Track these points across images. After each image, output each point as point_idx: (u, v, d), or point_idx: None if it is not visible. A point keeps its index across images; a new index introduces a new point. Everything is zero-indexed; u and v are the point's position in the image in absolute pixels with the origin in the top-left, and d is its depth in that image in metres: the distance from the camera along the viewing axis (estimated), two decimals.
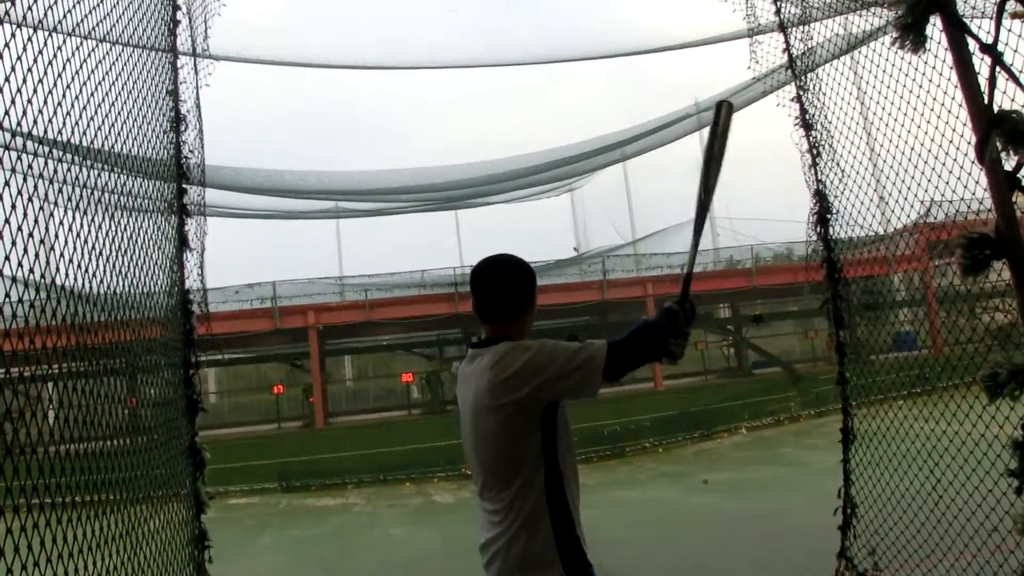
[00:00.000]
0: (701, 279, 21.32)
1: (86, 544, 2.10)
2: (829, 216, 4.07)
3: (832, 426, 4.42)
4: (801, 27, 4.11)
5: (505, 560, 1.83)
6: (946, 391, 3.25)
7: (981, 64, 2.48)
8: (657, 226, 23.54)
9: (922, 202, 3.24)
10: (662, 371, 20.47)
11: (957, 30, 2.54)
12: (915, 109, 3.08)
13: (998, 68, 2.41)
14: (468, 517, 10.33)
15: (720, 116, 2.10)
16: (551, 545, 1.82)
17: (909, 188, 3.26)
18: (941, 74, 2.79)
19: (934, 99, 2.90)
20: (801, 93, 4.18)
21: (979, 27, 2.57)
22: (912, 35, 2.61)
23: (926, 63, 2.87)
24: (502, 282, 1.95)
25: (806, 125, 4.15)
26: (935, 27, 2.62)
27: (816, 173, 4.11)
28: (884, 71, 3.29)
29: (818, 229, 4.10)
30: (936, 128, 2.95)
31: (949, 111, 2.80)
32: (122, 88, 2.85)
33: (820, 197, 4.10)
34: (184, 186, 3.97)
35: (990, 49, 2.44)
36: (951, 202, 3.01)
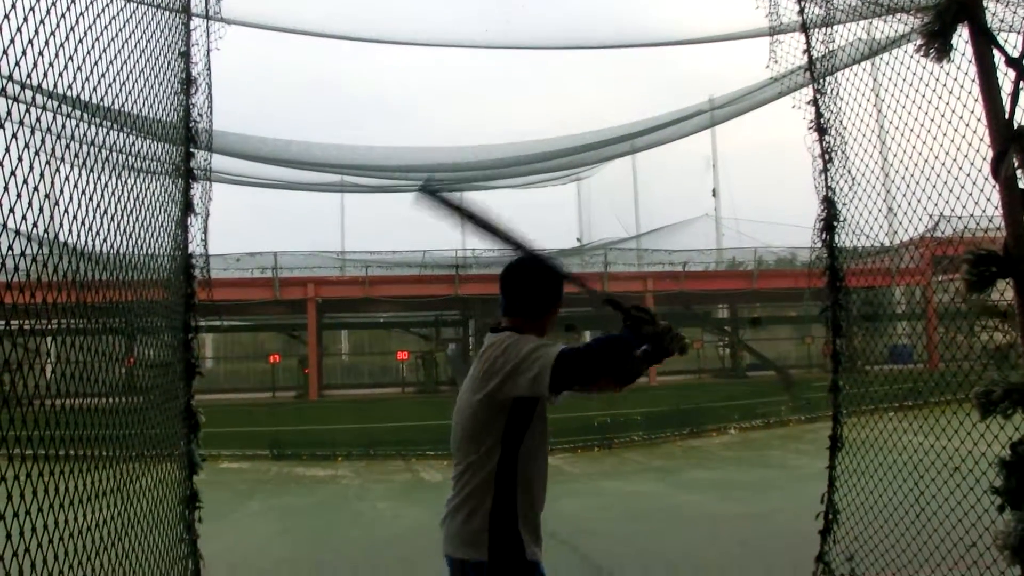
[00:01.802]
0: (703, 278, 21.34)
1: (78, 496, 2.13)
2: (836, 223, 4.05)
3: (820, 432, 4.45)
4: (823, 29, 4.06)
5: (449, 526, 2.01)
6: (938, 406, 3.27)
7: (1004, 78, 2.46)
8: (662, 222, 23.49)
9: (931, 216, 3.22)
10: (656, 367, 20.51)
11: (984, 41, 2.52)
12: (932, 121, 3.06)
13: (1022, 83, 2.39)
14: None
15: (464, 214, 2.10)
16: (484, 527, 1.93)
17: (920, 201, 3.24)
18: (963, 87, 2.77)
19: (953, 112, 2.88)
20: (818, 96, 4.14)
21: (1006, 40, 2.55)
22: (938, 43, 2.58)
23: (948, 74, 2.84)
24: (524, 280, 2.09)
25: (820, 129, 4.12)
26: (960, 37, 2.60)
27: (826, 179, 4.09)
28: (904, 80, 3.26)
29: (823, 236, 4.09)
30: (953, 142, 2.92)
31: (967, 125, 2.78)
32: (135, 46, 2.83)
33: (828, 203, 4.08)
34: (192, 150, 3.95)
35: (1016, 63, 2.42)
36: (959, 218, 3.00)
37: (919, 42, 2.64)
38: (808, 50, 4.22)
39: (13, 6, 1.75)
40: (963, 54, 2.62)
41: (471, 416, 1.98)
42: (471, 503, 1.96)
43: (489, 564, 1.94)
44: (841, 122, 4.02)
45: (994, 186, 2.52)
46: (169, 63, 3.54)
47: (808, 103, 4.19)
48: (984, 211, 2.76)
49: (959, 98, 2.83)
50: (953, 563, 3.18)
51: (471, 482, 1.97)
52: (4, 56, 1.71)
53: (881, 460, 3.69)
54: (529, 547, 1.98)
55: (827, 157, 4.11)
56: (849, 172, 3.95)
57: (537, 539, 2.02)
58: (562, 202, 25.92)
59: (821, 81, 4.13)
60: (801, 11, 4.24)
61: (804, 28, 4.23)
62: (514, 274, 2.10)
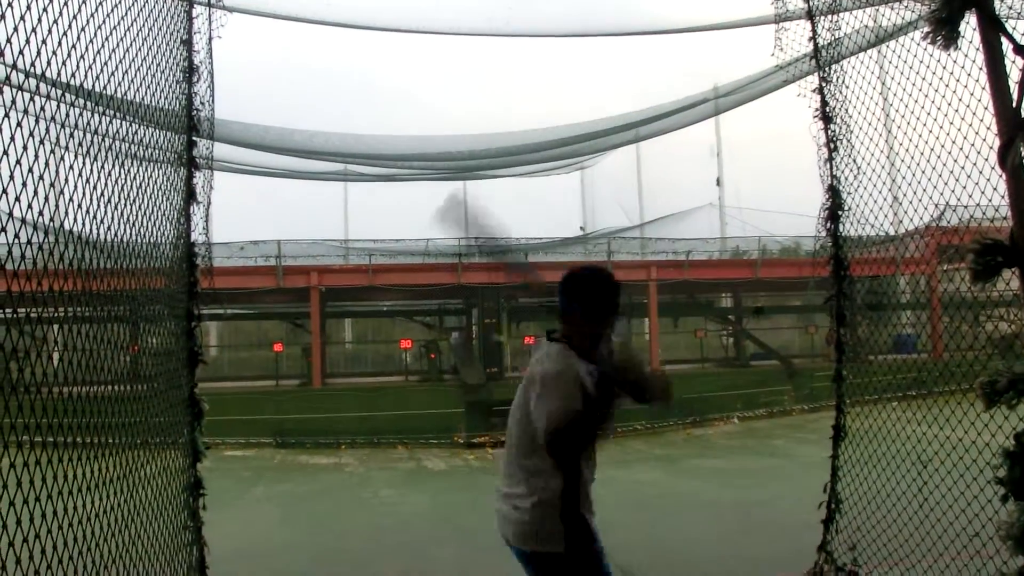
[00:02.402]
0: (706, 267, 21.28)
1: (85, 483, 2.15)
2: (841, 212, 4.03)
3: (823, 422, 4.45)
4: (829, 16, 4.02)
5: (513, 517, 2.17)
6: (942, 396, 3.26)
7: (1012, 66, 2.43)
8: (666, 210, 23.42)
9: (936, 205, 3.20)
10: (659, 356, 20.56)
11: (992, 29, 2.49)
12: (939, 109, 3.02)
13: None
14: (458, 484, 10.50)
15: None
16: (556, 519, 2.10)
17: (925, 191, 3.22)
18: (969, 75, 2.74)
19: (960, 100, 2.85)
20: (824, 85, 4.11)
21: (1014, 28, 2.51)
22: (945, 30, 2.55)
23: (954, 62, 2.81)
24: (579, 290, 2.26)
25: (826, 118, 4.09)
26: (968, 24, 2.57)
27: (831, 168, 4.06)
28: (911, 67, 3.22)
29: (828, 225, 4.07)
30: (960, 131, 2.89)
31: (973, 113, 2.76)
32: (137, 34, 2.82)
33: (833, 192, 4.06)
34: (194, 138, 3.94)
35: None
36: (965, 207, 2.98)
37: (926, 29, 2.62)
38: (814, 38, 4.18)
39: None
40: (970, 42, 2.59)
41: (520, 411, 2.18)
42: (538, 494, 2.11)
43: (566, 554, 2.11)
44: (847, 110, 3.99)
45: (1001, 175, 2.50)
46: (171, 51, 3.52)
47: (814, 91, 4.16)
48: (991, 200, 2.74)
49: (966, 86, 2.80)
50: (956, 553, 3.19)
51: (536, 474, 2.12)
52: (8, 44, 1.70)
53: (884, 450, 3.70)
54: (596, 534, 2.20)
55: (832, 146, 4.08)
56: (855, 161, 3.93)
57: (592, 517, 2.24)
58: (566, 191, 25.82)
59: (827, 69, 4.09)
60: None
61: (810, 15, 4.19)
62: (575, 283, 2.27)
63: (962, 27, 2.55)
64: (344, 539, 6.92)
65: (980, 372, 2.51)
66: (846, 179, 4.02)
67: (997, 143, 2.46)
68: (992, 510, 2.56)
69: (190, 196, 3.89)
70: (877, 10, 3.78)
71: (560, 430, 2.02)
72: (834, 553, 4.03)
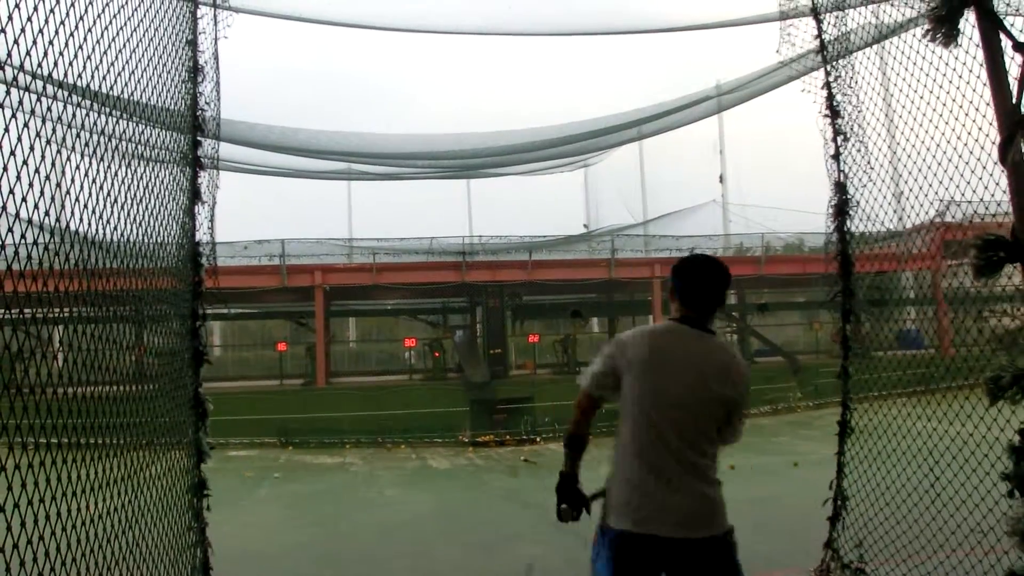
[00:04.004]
0: None
1: (90, 484, 2.15)
2: (849, 209, 4.02)
3: (829, 419, 4.44)
4: (834, 13, 4.01)
5: (695, 506, 2.20)
6: (949, 391, 3.25)
7: (1012, 63, 2.43)
8: (669, 208, 23.39)
9: (941, 200, 3.19)
10: None
11: (991, 26, 2.49)
12: (945, 104, 3.01)
13: None
14: (463, 483, 10.51)
15: None
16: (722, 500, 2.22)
17: (931, 185, 3.21)
18: (970, 71, 2.73)
19: (965, 96, 2.84)
20: (831, 80, 4.09)
21: (1012, 24, 2.51)
22: (945, 28, 2.56)
23: (956, 59, 2.80)
24: (727, 285, 2.34)
25: (833, 113, 4.08)
26: (968, 22, 2.56)
27: (839, 164, 4.05)
28: (914, 63, 3.21)
29: (836, 221, 4.05)
30: (965, 127, 2.88)
31: (976, 110, 2.75)
32: (143, 35, 2.83)
33: (840, 188, 4.05)
34: (199, 138, 3.95)
35: (1023, 47, 2.39)
36: (969, 203, 2.97)
37: (926, 27, 2.62)
38: (820, 34, 4.17)
39: None
40: (970, 38, 2.58)
41: (722, 402, 2.22)
42: (715, 479, 2.21)
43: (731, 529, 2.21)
44: (855, 106, 3.97)
45: (1003, 171, 2.49)
46: (177, 51, 3.53)
47: (821, 87, 4.14)
48: (993, 196, 2.74)
49: (969, 83, 2.79)
50: (970, 549, 3.17)
51: (714, 459, 2.21)
52: (15, 45, 1.71)
53: (891, 446, 3.69)
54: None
55: (839, 141, 4.07)
56: (864, 156, 3.91)
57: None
58: (569, 188, 25.83)
59: (833, 64, 4.08)
60: None
61: (815, 12, 4.18)
62: (726, 275, 2.33)
63: (962, 24, 2.55)
64: (349, 539, 6.94)
65: (985, 368, 2.51)
66: (855, 175, 4.01)
67: (998, 139, 2.46)
68: (1001, 508, 2.55)
69: (195, 196, 3.90)
70: (879, 7, 3.77)
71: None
72: (840, 550, 4.02)
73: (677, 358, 2.22)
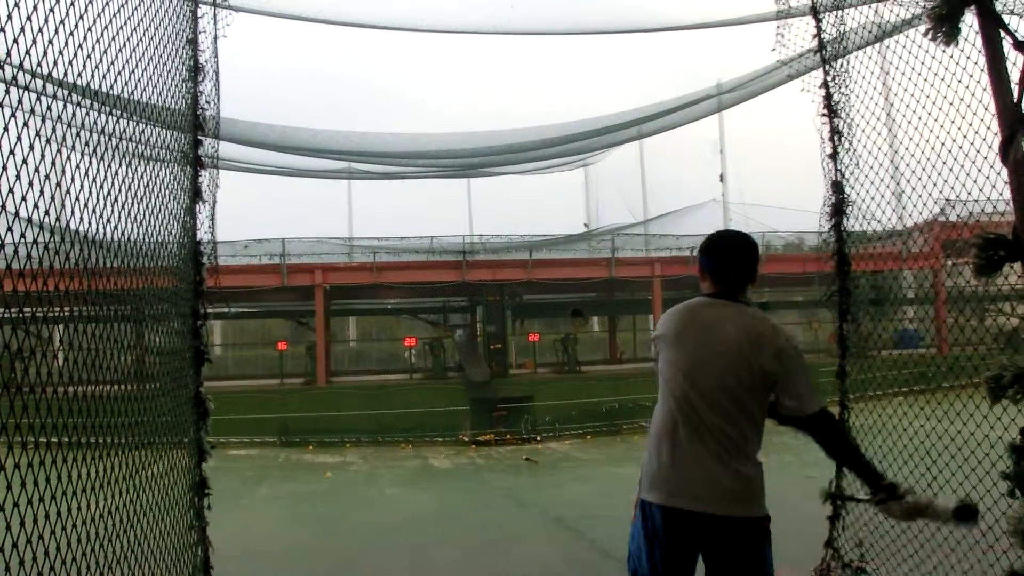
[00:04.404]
0: None
1: (90, 483, 2.15)
2: (845, 208, 4.02)
3: None
4: (834, 12, 4.01)
5: (713, 483, 2.15)
6: (951, 390, 3.25)
7: (1012, 62, 2.43)
8: (669, 207, 23.38)
9: (945, 199, 3.19)
10: None
11: (991, 25, 2.49)
12: (950, 101, 3.00)
13: None
14: (464, 482, 10.52)
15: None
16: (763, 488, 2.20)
17: (934, 184, 3.21)
18: (972, 70, 2.73)
19: (969, 93, 2.83)
20: (828, 80, 4.09)
21: (1010, 22, 2.51)
22: (945, 27, 2.56)
23: (955, 58, 2.80)
24: (756, 255, 2.33)
25: (831, 112, 4.08)
26: (965, 21, 2.56)
27: (836, 163, 4.05)
28: (915, 59, 3.21)
29: (832, 220, 4.06)
30: (971, 125, 2.88)
31: (984, 108, 2.74)
32: (143, 34, 2.82)
33: (837, 187, 4.05)
34: (199, 137, 3.95)
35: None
36: (974, 201, 2.97)
37: (926, 26, 2.62)
38: (818, 33, 4.17)
39: None
40: (966, 39, 2.59)
41: (756, 376, 2.13)
42: (755, 459, 2.16)
43: (767, 522, 2.15)
44: (852, 105, 3.97)
45: (998, 172, 2.50)
46: (177, 50, 3.53)
47: (819, 87, 4.14)
48: (992, 194, 2.74)
49: (975, 79, 2.79)
50: (966, 550, 3.17)
51: (753, 441, 2.16)
52: (15, 44, 1.71)
53: (890, 445, 3.69)
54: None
55: (836, 141, 4.07)
56: (860, 156, 3.92)
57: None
58: (570, 188, 25.81)
59: (832, 64, 4.08)
60: None
61: (814, 11, 4.18)
62: (749, 245, 2.34)
63: (963, 23, 2.55)
64: (349, 538, 6.94)
65: (984, 366, 2.51)
66: (851, 174, 4.01)
67: (999, 138, 2.46)
68: (1001, 507, 2.55)
69: (196, 195, 3.90)
70: (880, 5, 3.77)
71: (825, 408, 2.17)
72: (841, 550, 4.02)
73: (706, 329, 2.18)
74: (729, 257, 2.30)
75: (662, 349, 2.26)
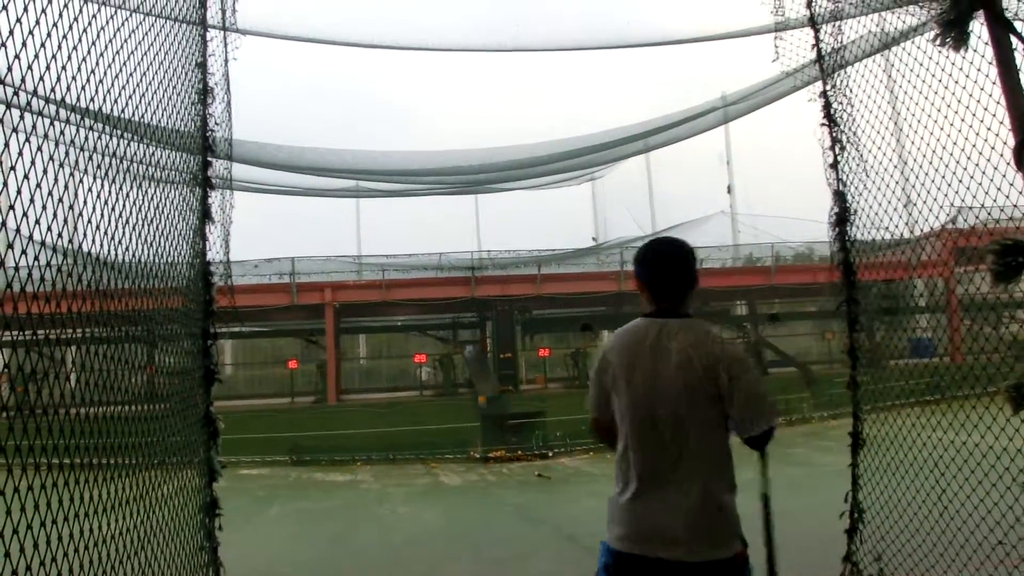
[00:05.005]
0: (718, 275, 21.16)
1: (102, 505, 2.15)
2: (848, 217, 4.00)
3: (844, 429, 4.38)
4: (832, 23, 4.01)
5: (686, 523, 1.98)
6: (967, 400, 3.20)
7: (1023, 66, 2.42)
8: (677, 219, 23.37)
9: (955, 206, 3.16)
10: None
11: (1001, 29, 2.48)
12: (963, 105, 2.97)
13: None
14: (474, 499, 10.44)
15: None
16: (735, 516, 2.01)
17: (942, 191, 3.18)
18: (981, 75, 2.71)
19: (980, 99, 2.81)
20: (828, 90, 4.09)
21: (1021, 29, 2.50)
22: (954, 32, 2.55)
23: (966, 62, 2.79)
24: (693, 264, 2.16)
25: (831, 123, 4.07)
26: (977, 24, 2.55)
27: (837, 173, 4.03)
28: (921, 67, 3.19)
29: (836, 230, 4.03)
30: (982, 132, 2.84)
31: (994, 114, 2.72)
32: (153, 59, 2.87)
33: (839, 197, 4.03)
34: (209, 159, 4.00)
35: None
36: (982, 207, 2.94)
37: (935, 32, 2.61)
38: (817, 44, 4.17)
39: (37, 22, 1.78)
40: (978, 38, 2.57)
41: (711, 398, 1.99)
42: (721, 488, 1.97)
43: (742, 557, 1.95)
44: (852, 115, 3.96)
45: (1009, 179, 2.48)
46: (186, 74, 3.59)
47: (819, 96, 4.14)
48: (1007, 200, 2.71)
49: (983, 86, 2.77)
50: (981, 561, 3.11)
51: (719, 465, 1.99)
52: (28, 71, 1.74)
53: (905, 457, 3.63)
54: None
55: (837, 151, 4.06)
56: (861, 165, 3.89)
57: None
58: (577, 202, 25.89)
59: (832, 75, 4.07)
60: (809, 4, 4.20)
61: (813, 23, 4.18)
62: (687, 256, 2.16)
63: (972, 28, 2.54)
64: (361, 557, 6.89)
65: (1004, 376, 2.47)
66: (852, 183, 3.99)
67: (1013, 143, 2.44)
68: (1019, 514, 2.50)
69: (205, 215, 3.94)
70: (881, 16, 3.77)
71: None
72: (860, 563, 3.95)
73: (656, 354, 2.01)
74: (666, 270, 2.14)
75: (614, 382, 2.07)
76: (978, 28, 2.54)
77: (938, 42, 2.60)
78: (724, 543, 1.92)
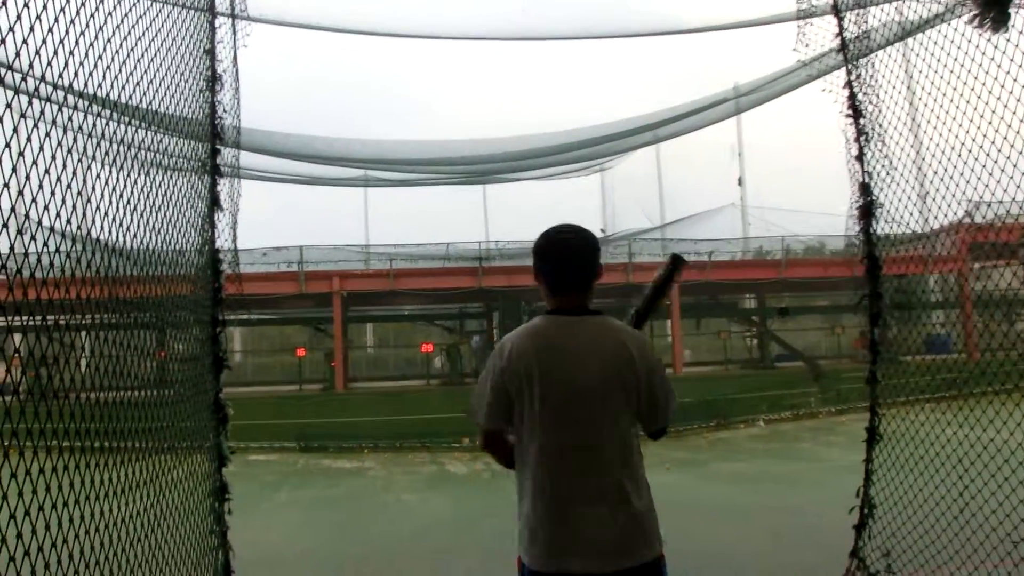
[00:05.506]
0: (729, 267, 21.05)
1: (112, 488, 2.17)
2: (874, 210, 3.93)
3: (851, 424, 4.36)
4: (856, 10, 3.94)
5: (611, 528, 1.92)
6: (984, 396, 3.16)
7: None
8: (687, 211, 23.25)
9: (970, 200, 3.11)
10: (682, 357, 20.36)
11: None
12: (987, 98, 2.88)
13: None
14: (480, 488, 10.48)
15: (673, 268, 2.29)
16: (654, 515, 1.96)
17: (959, 187, 3.12)
18: (1000, 67, 2.65)
19: (1005, 88, 2.73)
20: (852, 80, 4.02)
21: None
22: (994, 12, 2.44)
23: (989, 52, 2.73)
24: (597, 254, 2.04)
25: (856, 113, 4.00)
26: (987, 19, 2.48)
27: (863, 165, 3.97)
28: (942, 57, 3.13)
29: (860, 223, 3.96)
30: (1016, 122, 2.75)
31: (1007, 107, 2.67)
32: (161, 45, 2.86)
33: (865, 190, 3.96)
34: (217, 147, 3.99)
35: None
36: (1001, 202, 2.88)
37: (972, 12, 2.50)
38: (841, 32, 4.10)
39: (44, 8, 1.77)
40: (986, 40, 2.50)
41: (631, 400, 1.93)
42: (637, 494, 1.89)
43: (663, 559, 1.92)
44: (876, 106, 3.89)
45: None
46: (195, 61, 3.57)
47: (843, 87, 4.06)
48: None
49: (1000, 79, 2.71)
50: (997, 561, 3.08)
51: (634, 470, 1.91)
52: (37, 57, 1.73)
53: (920, 453, 3.60)
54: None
55: (862, 142, 3.99)
56: (887, 157, 3.83)
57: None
58: (586, 193, 25.76)
59: (855, 63, 3.99)
60: None
61: (836, 10, 4.11)
62: (590, 244, 2.05)
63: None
64: (367, 544, 6.94)
65: (1016, 372, 2.43)
66: (878, 175, 3.92)
67: None
68: None
69: (214, 203, 3.94)
70: (904, 3, 3.69)
71: None
72: (867, 559, 3.93)
73: (571, 357, 1.89)
74: (569, 261, 1.98)
75: (520, 389, 1.89)
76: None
77: (975, 23, 2.49)
78: (646, 546, 1.87)
